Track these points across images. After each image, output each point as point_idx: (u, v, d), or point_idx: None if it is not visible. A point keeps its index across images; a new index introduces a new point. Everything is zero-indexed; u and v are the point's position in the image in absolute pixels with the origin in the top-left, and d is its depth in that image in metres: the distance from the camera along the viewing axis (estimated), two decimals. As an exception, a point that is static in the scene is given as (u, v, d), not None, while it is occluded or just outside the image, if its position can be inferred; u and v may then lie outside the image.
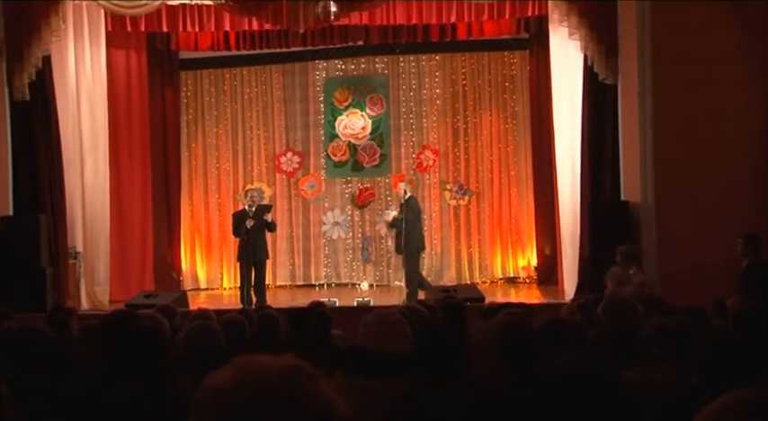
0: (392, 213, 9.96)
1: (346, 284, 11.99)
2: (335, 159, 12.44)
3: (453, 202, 12.11)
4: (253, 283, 9.73)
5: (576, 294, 8.95)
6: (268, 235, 10.36)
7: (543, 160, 11.36)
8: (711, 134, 8.23)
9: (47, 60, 9.28)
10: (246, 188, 11.74)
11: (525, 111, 12.10)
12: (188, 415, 1.34)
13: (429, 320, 4.68)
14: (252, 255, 9.69)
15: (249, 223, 9.49)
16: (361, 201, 12.12)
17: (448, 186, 12.14)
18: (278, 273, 12.12)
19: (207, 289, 12.10)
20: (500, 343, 2.62)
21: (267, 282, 10.48)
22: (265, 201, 11.66)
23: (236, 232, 9.94)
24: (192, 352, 3.66)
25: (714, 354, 2.58)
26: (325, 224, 12.37)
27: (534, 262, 11.91)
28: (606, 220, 8.79)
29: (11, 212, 9.12)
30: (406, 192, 10.00)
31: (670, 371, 3.03)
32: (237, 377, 1.33)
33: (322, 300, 7.40)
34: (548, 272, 11.33)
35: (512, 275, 12.02)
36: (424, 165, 12.37)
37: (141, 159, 11.24)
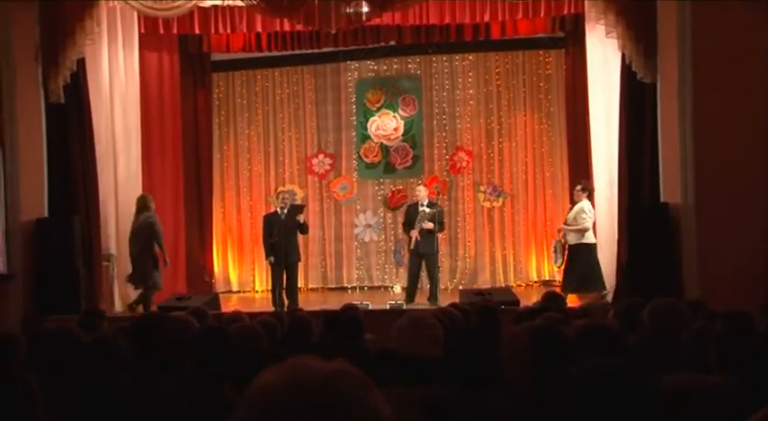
0: (426, 212, 9.89)
1: (378, 287, 12.00)
2: (367, 161, 12.47)
3: (487, 204, 12.11)
4: (284, 286, 9.75)
5: (613, 298, 8.86)
6: (301, 237, 10.39)
7: (579, 161, 11.28)
8: (752, 134, 8.09)
9: (81, 63, 9.37)
10: (278, 190, 11.77)
11: (561, 112, 12.00)
12: (234, 413, 1.37)
13: (462, 324, 4.67)
14: (284, 257, 9.69)
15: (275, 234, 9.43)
16: (393, 204, 12.12)
17: (482, 188, 12.14)
18: (310, 276, 12.19)
19: (239, 292, 12.15)
20: (531, 347, 2.61)
21: (299, 285, 10.51)
22: (298, 202, 11.71)
23: (265, 235, 9.92)
24: (235, 353, 3.70)
25: (761, 359, 2.55)
26: (357, 226, 12.41)
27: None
28: (645, 223, 8.67)
29: (46, 214, 9.17)
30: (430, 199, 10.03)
31: (715, 376, 2.99)
32: (287, 378, 1.36)
33: (354, 302, 7.44)
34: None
35: (547, 278, 11.94)
36: (458, 166, 12.36)
37: (173, 161, 11.30)
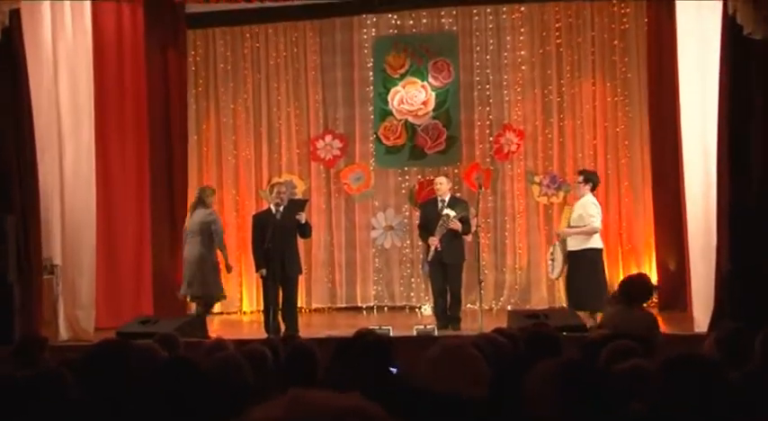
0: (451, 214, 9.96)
1: (403, 307, 12.20)
2: (388, 144, 12.60)
3: (544, 200, 12.19)
4: (281, 306, 9.81)
5: (711, 323, 8.86)
6: (301, 243, 10.40)
7: (665, 144, 11.27)
8: None
9: (14, 16, 9.21)
10: (272, 182, 11.90)
11: (641, 79, 11.98)
12: None
13: (511, 356, 4.67)
14: (279, 269, 9.69)
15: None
16: (421, 199, 12.01)
17: (536, 179, 12.20)
18: (313, 293, 12.44)
19: (221, 313, 12.22)
20: (560, 390, 2.63)
21: (299, 305, 10.70)
22: (298, 196, 11.72)
23: (256, 240, 9.92)
24: (213, 392, 3.70)
25: None
26: (375, 228, 12.55)
27: (654, 279, 11.66)
28: (752, 225, 8.69)
29: (-32, 213, 9.29)
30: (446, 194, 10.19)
31: None
32: (285, 415, 1.37)
33: (371, 327, 7.44)
34: (672, 293, 11.27)
35: None
36: (505, 150, 12.40)
37: (136, 146, 11.35)
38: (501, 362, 4.31)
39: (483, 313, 9.75)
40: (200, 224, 9.89)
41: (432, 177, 12.32)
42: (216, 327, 10.98)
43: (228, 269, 10.19)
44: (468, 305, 11.73)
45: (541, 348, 5.15)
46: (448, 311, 10.01)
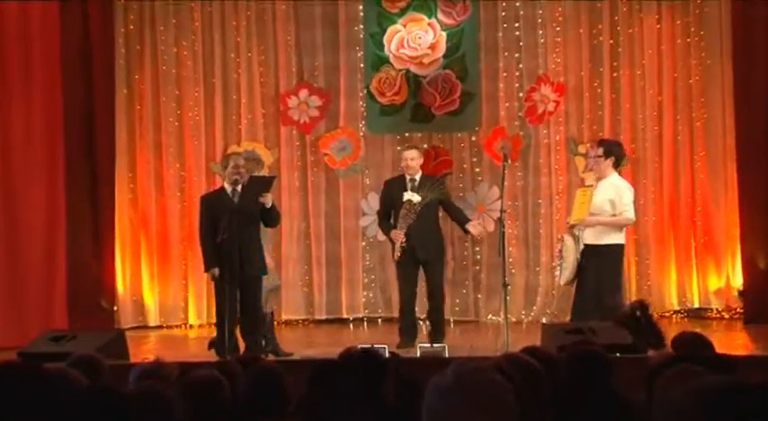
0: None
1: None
2: (384, 102, 12.56)
3: (590, 177, 11.84)
4: (239, 318, 9.76)
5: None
6: (266, 234, 10.27)
7: (756, 102, 11.29)
8: None
9: None
10: (229, 151, 11.80)
11: (723, 15, 12.01)
12: None
13: (547, 382, 4.64)
14: (237, 268, 9.66)
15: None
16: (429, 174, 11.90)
17: (581, 149, 12.15)
18: (284, 300, 12.31)
19: (160, 327, 12.38)
20: None
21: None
22: (262, 172, 11.64)
23: (205, 230, 9.89)
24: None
25: None
26: (365, 214, 12.50)
27: (738, 284, 11.92)
28: None
29: None
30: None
31: None
32: None
33: (361, 346, 7.21)
34: (761, 301, 11.38)
35: (697, 306, 12.11)
36: (540, 110, 12.39)
37: (45, 105, 11.33)
38: (533, 392, 4.35)
39: (509, 327, 9.66)
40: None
41: (442, 146, 12.59)
42: (152, 345, 11.01)
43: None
44: (490, 316, 12.07)
45: (587, 373, 5.16)
46: (427, 320, 10.30)
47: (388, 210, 10.31)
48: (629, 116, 12.34)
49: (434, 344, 9.69)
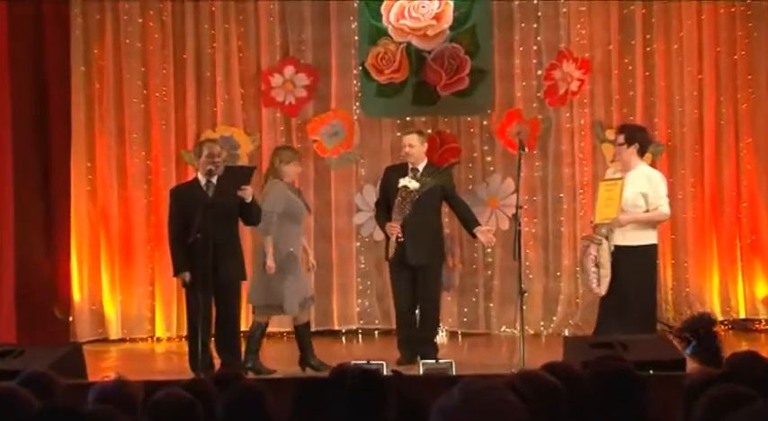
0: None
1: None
2: (382, 80, 12.55)
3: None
4: (215, 329, 9.85)
5: None
6: (246, 233, 10.43)
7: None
8: None
9: None
10: (202, 138, 11.73)
11: (772, -20, 11.99)
12: None
13: (567, 403, 4.69)
14: (211, 272, 9.65)
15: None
16: (435, 164, 11.46)
17: (610, 135, 11.91)
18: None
19: (123, 340, 12.38)
20: None
21: (244, 327, 10.60)
22: (241, 162, 11.73)
23: (175, 228, 9.92)
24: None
25: None
26: (360, 211, 12.61)
27: (788, 290, 11.84)
28: None
29: None
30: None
31: None
32: None
33: (356, 362, 7.49)
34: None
35: (743, 317, 12.15)
36: (562, 91, 12.35)
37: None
38: (552, 415, 4.43)
39: (525, 341, 9.63)
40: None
41: (448, 131, 12.60)
42: (113, 361, 11.05)
43: (310, 267, 10.65)
44: (504, 329, 12.13)
45: (615, 392, 5.16)
46: (417, 334, 10.23)
47: (388, 201, 10.29)
48: (665, 97, 12.37)
49: (440, 360, 9.68)
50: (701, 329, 7.47)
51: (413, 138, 10.40)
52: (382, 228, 10.41)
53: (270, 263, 9.95)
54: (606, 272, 9.74)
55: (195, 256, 9.68)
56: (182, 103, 12.68)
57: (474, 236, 10.45)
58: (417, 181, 10.04)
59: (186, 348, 10.09)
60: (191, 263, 9.76)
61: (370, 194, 12.50)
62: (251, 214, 9.95)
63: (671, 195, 10.21)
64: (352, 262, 12.69)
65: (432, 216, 10.22)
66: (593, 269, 9.82)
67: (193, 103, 12.71)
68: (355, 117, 12.73)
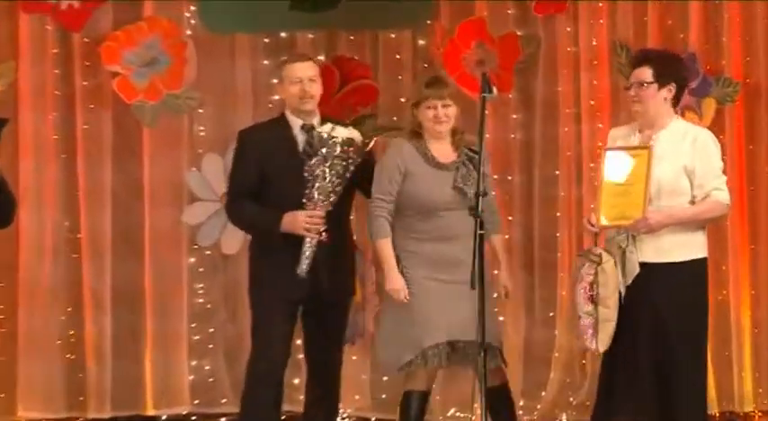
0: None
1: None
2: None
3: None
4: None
5: None
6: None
7: None
8: None
9: None
10: None
11: None
12: None
13: None
14: None
15: None
16: (336, 113, 9.29)
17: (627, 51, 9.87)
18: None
19: None
20: None
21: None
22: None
23: None
24: None
25: None
26: (199, 200, 10.11)
27: None
28: None
29: None
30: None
31: None
32: None
33: None
34: None
35: None
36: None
37: None
38: None
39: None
40: None
41: (355, 57, 10.01)
42: None
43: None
44: (454, 412, 9.89)
45: None
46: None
47: (254, 185, 7.72)
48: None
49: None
50: None
51: (308, 68, 7.86)
52: (256, 226, 7.77)
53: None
54: (609, 313, 7.23)
55: None
56: None
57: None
58: (345, 131, 7.72)
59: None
60: None
61: (215, 168, 9.54)
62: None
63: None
64: (181, 291, 9.75)
65: (342, 212, 7.89)
66: (588, 308, 7.27)
67: None
68: (188, 33, 9.81)
